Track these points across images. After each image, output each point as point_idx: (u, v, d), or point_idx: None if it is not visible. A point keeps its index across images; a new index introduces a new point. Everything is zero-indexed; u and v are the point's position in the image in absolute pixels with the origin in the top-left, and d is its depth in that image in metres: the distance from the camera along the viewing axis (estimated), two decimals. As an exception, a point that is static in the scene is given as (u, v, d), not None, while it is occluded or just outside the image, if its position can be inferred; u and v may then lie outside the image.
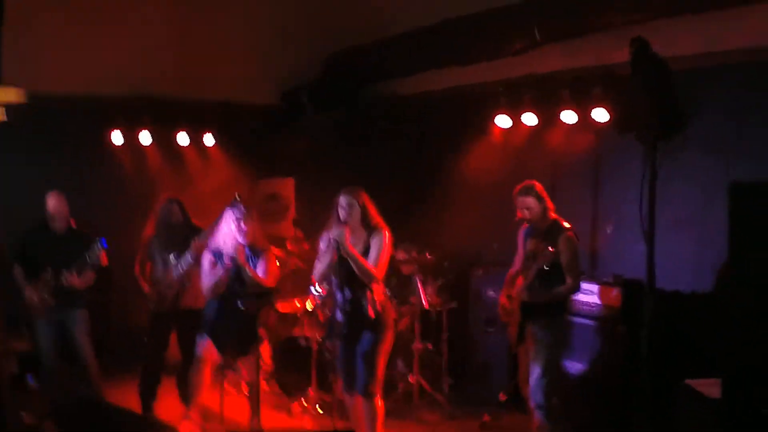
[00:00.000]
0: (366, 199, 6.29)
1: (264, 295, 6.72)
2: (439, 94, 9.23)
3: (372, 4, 9.40)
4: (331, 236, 6.08)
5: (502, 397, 7.61)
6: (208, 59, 9.55)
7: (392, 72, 9.48)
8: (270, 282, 7.01)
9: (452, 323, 8.35)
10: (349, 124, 9.88)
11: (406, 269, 8.32)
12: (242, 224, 6.92)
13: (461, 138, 8.98)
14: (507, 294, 6.76)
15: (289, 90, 10.13)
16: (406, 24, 8.85)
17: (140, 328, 7.90)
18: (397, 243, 6.73)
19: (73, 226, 7.53)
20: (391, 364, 8.05)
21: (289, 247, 8.79)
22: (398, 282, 8.27)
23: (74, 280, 7.24)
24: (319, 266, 6.30)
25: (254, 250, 7.04)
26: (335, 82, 9.87)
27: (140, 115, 9.61)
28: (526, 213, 6.49)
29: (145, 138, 9.73)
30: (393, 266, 7.77)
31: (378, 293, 6.23)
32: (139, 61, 9.04)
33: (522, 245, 6.71)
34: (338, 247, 6.05)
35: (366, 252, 6.17)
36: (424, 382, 8.13)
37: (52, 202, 7.38)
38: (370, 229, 6.24)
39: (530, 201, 6.46)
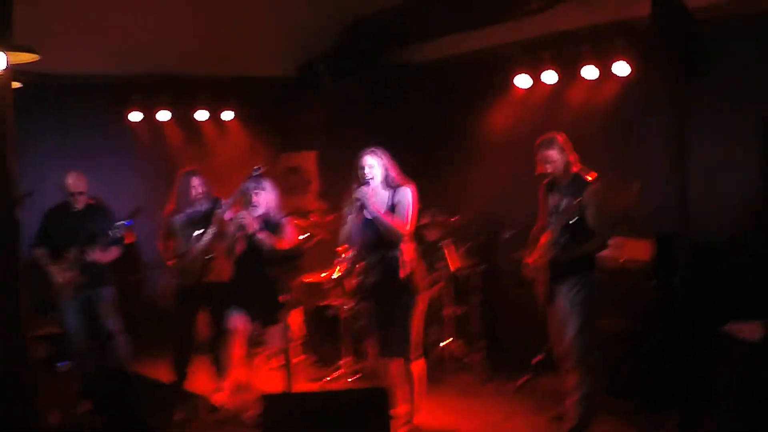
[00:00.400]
0: (388, 158, 6.22)
1: (288, 260, 6.62)
2: (458, 57, 9.09)
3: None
4: (355, 197, 6.01)
5: (537, 358, 7.51)
6: (224, 34, 9.44)
7: (410, 38, 9.39)
8: (284, 246, 6.89)
9: (483, 286, 8.29)
10: (368, 93, 9.78)
11: (431, 235, 8.26)
12: (257, 195, 6.88)
13: (482, 100, 8.89)
14: (532, 253, 6.61)
15: (307, 61, 10.04)
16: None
17: (169, 307, 7.90)
18: (422, 208, 6.62)
19: (92, 203, 7.53)
20: (424, 330, 8.03)
21: (313, 219, 8.75)
22: (426, 248, 8.20)
23: (98, 255, 7.25)
24: (346, 229, 6.23)
25: (270, 220, 6.97)
26: (352, 51, 9.75)
27: (159, 92, 9.58)
28: (548, 167, 6.21)
29: (164, 115, 9.71)
30: (419, 232, 7.75)
31: (407, 253, 6.13)
32: (155, 38, 8.94)
33: (544, 201, 6.46)
34: (362, 207, 5.99)
35: (391, 211, 6.09)
36: (457, 347, 8.08)
37: (72, 180, 7.40)
38: (393, 187, 6.16)
39: (552, 154, 6.16)
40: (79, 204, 7.45)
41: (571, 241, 6.08)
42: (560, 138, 6.21)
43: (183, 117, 9.93)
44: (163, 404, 5.38)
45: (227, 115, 10.12)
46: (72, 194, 7.41)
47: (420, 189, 6.33)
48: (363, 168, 6.15)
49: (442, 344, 8.20)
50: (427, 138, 9.44)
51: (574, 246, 6.08)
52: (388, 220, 6.03)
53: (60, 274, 7.27)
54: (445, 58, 9.25)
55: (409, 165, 6.55)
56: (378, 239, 6.10)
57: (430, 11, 8.74)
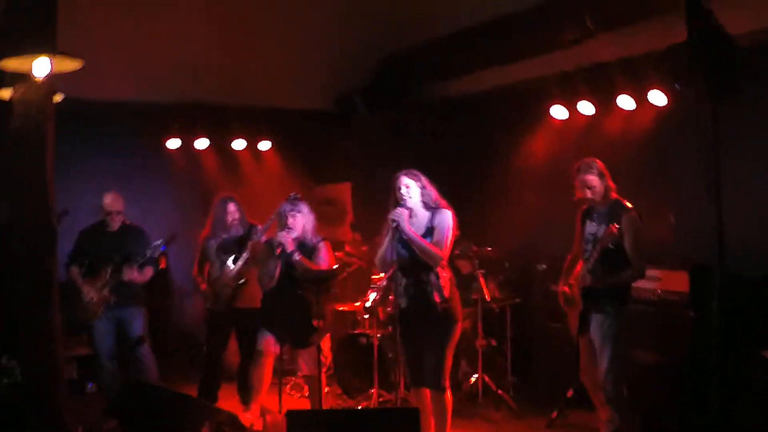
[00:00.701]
0: (425, 179, 6.09)
1: (322, 280, 6.55)
2: (493, 90, 9.09)
3: (422, 4, 9.33)
4: (391, 217, 5.90)
5: (570, 393, 7.38)
6: (262, 66, 9.51)
7: (445, 72, 9.38)
8: (323, 267, 6.83)
9: (516, 320, 8.23)
10: (404, 126, 9.80)
11: (464, 267, 8.20)
12: (293, 218, 6.85)
13: (517, 133, 8.89)
14: (566, 281, 6.50)
15: (343, 94, 10.11)
16: (456, 23, 8.77)
17: (199, 334, 7.90)
18: (456, 237, 6.52)
19: (128, 224, 7.56)
20: (455, 364, 7.94)
21: (348, 250, 8.73)
22: (459, 279, 8.13)
23: (134, 274, 7.25)
24: (381, 251, 6.09)
25: (306, 244, 6.94)
26: (388, 85, 9.79)
27: (196, 120, 9.65)
28: (588, 192, 6.11)
29: (201, 143, 9.80)
30: (453, 262, 7.71)
31: (444, 278, 5.97)
32: (194, 67, 9.03)
33: (580, 228, 6.35)
34: (398, 228, 5.87)
35: (428, 234, 5.94)
36: (489, 380, 7.99)
37: (109, 200, 7.44)
38: (431, 210, 6.03)
39: (592, 179, 6.08)
40: (115, 224, 7.47)
41: (608, 270, 5.98)
42: (599, 163, 6.13)
43: (220, 145, 10.03)
44: (190, 419, 5.29)
45: (264, 145, 10.21)
46: (109, 214, 7.43)
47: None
48: (399, 189, 6.03)
49: (473, 377, 8.10)
50: (462, 171, 9.44)
51: (611, 274, 5.98)
52: (424, 242, 5.89)
53: (93, 293, 7.28)
54: (480, 92, 9.25)
55: (444, 197, 6.46)
56: (413, 262, 5.95)
57: (465, 45, 8.77)
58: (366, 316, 8.12)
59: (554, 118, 8.28)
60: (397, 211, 5.91)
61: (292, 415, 4.90)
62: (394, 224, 5.87)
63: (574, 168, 6.21)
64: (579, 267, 6.28)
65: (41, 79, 4.97)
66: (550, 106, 8.19)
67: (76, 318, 7.30)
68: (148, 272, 7.44)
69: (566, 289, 6.43)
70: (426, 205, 6.05)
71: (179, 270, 8.34)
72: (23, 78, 5.05)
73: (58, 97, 5.54)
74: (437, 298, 5.93)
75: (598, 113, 7.94)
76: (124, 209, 7.54)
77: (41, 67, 4.85)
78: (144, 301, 7.59)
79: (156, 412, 5.34)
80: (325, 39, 9.56)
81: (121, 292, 7.31)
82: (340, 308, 8.47)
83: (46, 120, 5.19)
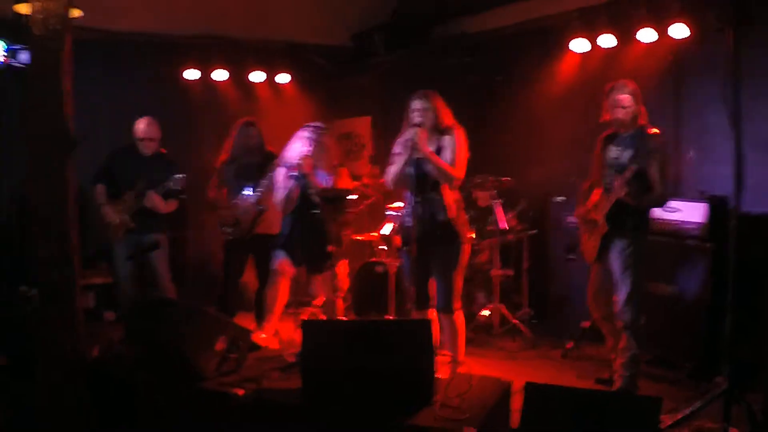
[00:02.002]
0: (439, 101, 6.02)
1: (336, 199, 6.52)
2: (512, 27, 9.01)
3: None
4: (406, 137, 5.85)
5: (586, 324, 7.38)
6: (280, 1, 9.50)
7: (465, 8, 9.35)
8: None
9: (532, 251, 8.23)
10: (423, 62, 9.72)
11: (482, 201, 8.19)
12: (311, 144, 6.83)
13: (537, 68, 8.82)
14: (583, 207, 6.40)
15: (361, 31, 10.05)
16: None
17: (216, 265, 7.90)
18: (472, 174, 6.42)
19: (163, 152, 7.54)
20: (471, 295, 7.97)
21: (366, 182, 8.72)
22: (477, 215, 8.12)
23: (157, 200, 7.25)
24: (393, 168, 6.06)
25: (323, 173, 6.92)
26: (406, 22, 9.74)
27: (215, 53, 9.62)
28: (618, 112, 5.96)
29: (218, 76, 9.78)
30: (471, 194, 7.73)
31: (449, 199, 5.91)
32: (212, 0, 9.02)
33: (600, 155, 6.20)
34: (413, 148, 5.81)
35: (439, 154, 5.89)
36: (504, 310, 8.01)
37: (142, 126, 7.40)
38: (442, 131, 5.97)
39: (625, 98, 5.93)
40: (149, 150, 7.42)
41: (636, 193, 5.89)
42: (632, 85, 6.01)
43: (239, 78, 10.00)
44: (205, 332, 5.29)
45: (283, 78, 10.17)
46: (141, 140, 7.39)
47: (473, 155, 6.15)
48: (413, 111, 5.98)
49: (489, 307, 8.13)
50: (480, 106, 9.38)
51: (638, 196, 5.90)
52: (438, 160, 5.84)
53: (114, 216, 7.27)
54: (500, 27, 9.17)
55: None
56: (423, 180, 5.89)
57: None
58: (383, 247, 8.14)
59: (574, 52, 8.20)
60: (413, 130, 5.84)
61: (307, 325, 4.91)
62: (409, 144, 5.83)
63: (606, 88, 6.07)
64: (596, 194, 6.22)
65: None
66: (570, 40, 8.10)
67: (95, 248, 7.30)
68: (172, 204, 7.43)
69: (584, 211, 6.34)
70: (437, 127, 5.98)
71: (196, 202, 8.31)
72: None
73: (77, 12, 5.49)
74: (442, 217, 5.89)
75: (618, 46, 7.85)
76: (159, 137, 7.49)
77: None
78: (167, 229, 7.58)
79: (171, 327, 5.33)
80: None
81: (144, 218, 7.30)
82: (358, 238, 8.49)
83: (65, 30, 5.16)
